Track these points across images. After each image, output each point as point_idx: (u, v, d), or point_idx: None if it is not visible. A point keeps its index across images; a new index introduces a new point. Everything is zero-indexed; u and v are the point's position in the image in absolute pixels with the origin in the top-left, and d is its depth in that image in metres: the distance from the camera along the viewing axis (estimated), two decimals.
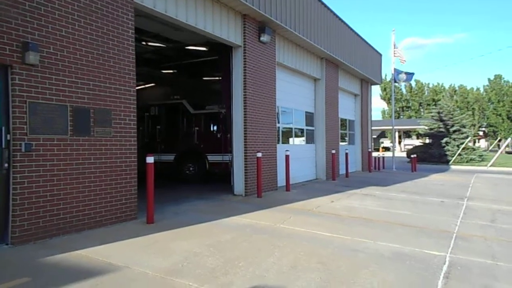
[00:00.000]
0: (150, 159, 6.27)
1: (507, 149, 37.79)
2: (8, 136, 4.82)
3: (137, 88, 6.67)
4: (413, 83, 61.39)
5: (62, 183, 5.29)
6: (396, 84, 20.88)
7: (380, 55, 19.66)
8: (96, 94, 5.77)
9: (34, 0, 4.98)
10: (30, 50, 4.82)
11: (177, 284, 3.77)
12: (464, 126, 27.59)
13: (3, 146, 4.79)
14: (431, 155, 26.36)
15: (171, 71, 15.80)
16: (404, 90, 60.36)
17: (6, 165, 4.80)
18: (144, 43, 11.44)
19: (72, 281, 3.78)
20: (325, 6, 12.74)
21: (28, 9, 4.92)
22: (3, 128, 4.80)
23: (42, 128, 5.07)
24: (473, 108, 54.63)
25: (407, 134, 55.83)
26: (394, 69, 19.88)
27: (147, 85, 16.68)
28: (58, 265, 4.24)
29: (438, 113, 28.38)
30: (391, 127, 23.25)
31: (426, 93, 60.52)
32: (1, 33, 4.65)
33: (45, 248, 4.77)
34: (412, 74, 20.37)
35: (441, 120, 27.83)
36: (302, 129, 13.03)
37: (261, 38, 9.63)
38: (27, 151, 4.90)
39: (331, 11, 13.27)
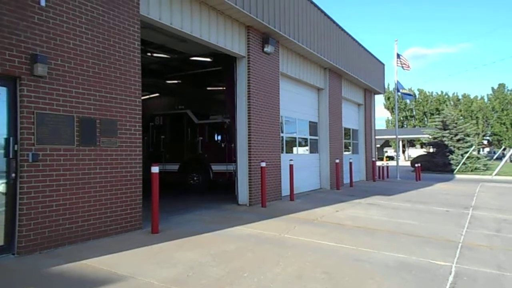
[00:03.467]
0: (155, 169, 6.30)
1: None
2: (16, 146, 4.88)
3: (142, 98, 6.75)
4: (416, 92, 61.42)
5: (68, 193, 5.33)
6: (399, 93, 20.97)
7: (383, 65, 19.76)
8: (102, 104, 5.85)
9: (43, 13, 5.09)
10: (38, 62, 4.91)
11: None
12: (468, 135, 27.52)
13: (11, 156, 4.85)
14: (435, 164, 26.27)
15: (176, 81, 15.95)
16: (407, 100, 60.39)
17: (13, 175, 4.85)
18: (149, 54, 11.58)
19: None
20: (328, 17, 12.87)
21: (37, 22, 5.02)
22: (11, 139, 4.86)
23: (49, 138, 5.13)
24: (477, 117, 54.46)
25: (411, 143, 55.66)
26: (397, 81, 19.98)
27: (152, 95, 16.83)
28: (63, 275, 4.25)
29: (442, 122, 28.37)
30: (395, 136, 23.23)
31: (430, 102, 60.47)
32: (10, 46, 4.75)
33: (50, 258, 4.79)
34: (411, 96, 20.76)
35: (445, 129, 27.79)
36: (306, 139, 13.05)
37: (265, 49, 9.73)
38: (34, 161, 4.95)
39: (334, 22, 13.39)
